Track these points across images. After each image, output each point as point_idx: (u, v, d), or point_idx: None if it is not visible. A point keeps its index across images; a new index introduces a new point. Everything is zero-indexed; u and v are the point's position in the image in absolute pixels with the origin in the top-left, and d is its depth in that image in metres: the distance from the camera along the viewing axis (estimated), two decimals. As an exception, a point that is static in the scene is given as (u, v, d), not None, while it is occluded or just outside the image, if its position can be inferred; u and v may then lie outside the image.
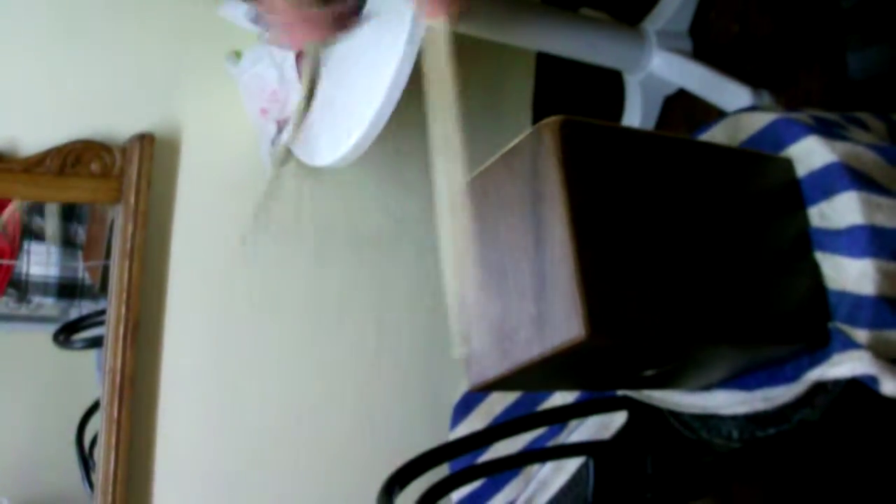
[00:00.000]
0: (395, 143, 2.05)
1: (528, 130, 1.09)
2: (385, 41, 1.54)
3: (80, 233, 1.98)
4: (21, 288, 1.91)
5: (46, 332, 1.94)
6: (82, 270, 1.97)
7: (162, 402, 1.87)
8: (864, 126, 1.34)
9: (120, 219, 1.83)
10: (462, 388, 1.86)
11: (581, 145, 1.06)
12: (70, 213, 1.97)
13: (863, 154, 1.21)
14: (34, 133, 1.80)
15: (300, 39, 1.22)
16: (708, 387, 1.31)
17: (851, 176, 1.17)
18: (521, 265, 1.07)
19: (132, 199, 1.82)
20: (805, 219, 1.21)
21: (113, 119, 1.87)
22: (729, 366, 1.25)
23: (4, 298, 1.90)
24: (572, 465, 1.54)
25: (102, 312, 1.85)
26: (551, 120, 1.06)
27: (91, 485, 1.83)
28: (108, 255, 1.88)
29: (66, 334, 1.95)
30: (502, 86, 2.45)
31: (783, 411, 1.22)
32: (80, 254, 1.98)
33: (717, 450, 1.33)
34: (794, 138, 1.24)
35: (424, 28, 1.22)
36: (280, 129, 1.89)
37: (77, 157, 1.81)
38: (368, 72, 1.56)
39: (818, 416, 1.20)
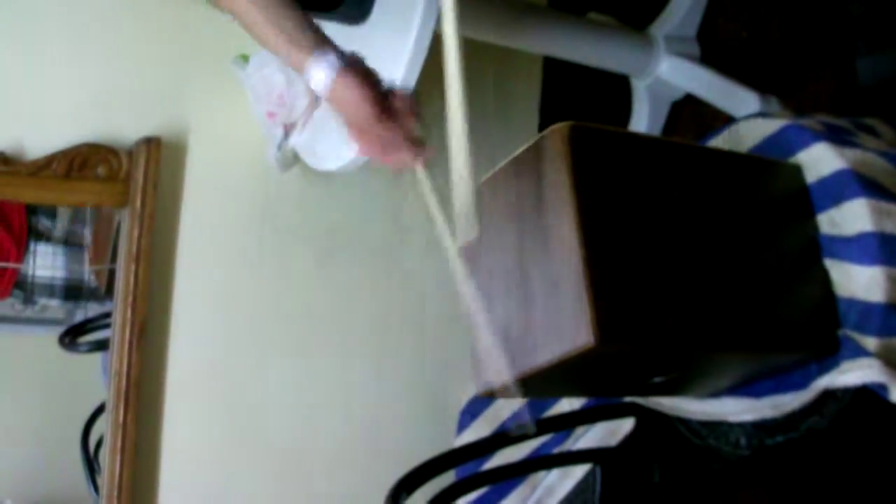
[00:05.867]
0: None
1: (536, 136, 1.09)
2: (391, 47, 1.54)
3: (87, 234, 1.98)
4: (27, 289, 1.91)
5: (52, 335, 1.94)
6: (88, 272, 1.97)
7: (168, 405, 1.87)
8: (873, 132, 1.34)
9: (126, 222, 1.83)
10: (468, 393, 1.86)
11: (590, 151, 1.05)
12: (76, 215, 1.97)
13: (872, 161, 1.20)
14: (41, 136, 1.80)
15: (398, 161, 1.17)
16: (716, 394, 1.31)
17: (861, 183, 1.17)
18: (529, 271, 1.07)
19: (139, 203, 1.82)
20: (814, 226, 1.20)
21: (120, 122, 1.87)
22: (737, 373, 1.24)
23: (10, 300, 1.90)
24: (579, 471, 1.53)
25: (108, 315, 1.85)
26: (560, 126, 1.06)
27: (96, 488, 1.83)
28: (114, 257, 1.87)
29: (71, 337, 1.95)
30: (509, 90, 2.44)
31: (791, 419, 1.21)
32: (86, 255, 1.98)
33: (725, 457, 1.33)
34: (804, 145, 1.23)
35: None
36: (287, 133, 1.89)
37: (84, 160, 1.81)
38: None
39: (827, 424, 1.19)
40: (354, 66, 1.11)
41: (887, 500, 1.57)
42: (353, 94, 1.10)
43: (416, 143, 1.13)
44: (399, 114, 1.13)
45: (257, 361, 1.98)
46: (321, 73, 1.10)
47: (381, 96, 1.12)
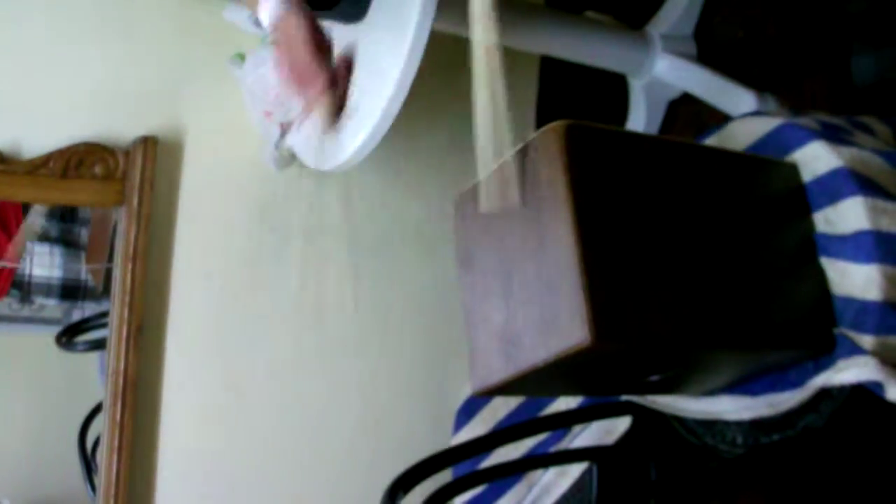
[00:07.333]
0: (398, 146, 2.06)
1: (532, 134, 1.09)
2: (388, 45, 1.54)
3: (83, 234, 1.98)
4: (24, 289, 1.91)
5: (49, 334, 1.94)
6: (85, 272, 1.97)
7: (164, 404, 1.87)
8: (869, 131, 1.34)
9: (123, 221, 1.83)
10: (465, 392, 1.86)
11: (586, 149, 1.05)
12: (73, 215, 1.97)
13: (868, 159, 1.21)
14: (37, 135, 1.80)
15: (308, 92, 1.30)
16: (713, 392, 1.31)
17: (857, 181, 1.17)
18: (525, 269, 1.07)
19: (135, 202, 1.82)
20: (810, 224, 1.20)
21: (116, 121, 1.87)
22: (734, 371, 1.24)
23: (7, 299, 1.90)
24: (576, 470, 1.53)
25: (105, 314, 1.85)
26: (556, 124, 1.06)
27: (93, 487, 1.83)
28: (111, 256, 1.88)
29: (68, 336, 1.95)
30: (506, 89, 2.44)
31: (788, 417, 1.21)
32: (83, 255, 1.98)
33: (722, 455, 1.33)
34: (800, 143, 1.23)
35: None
36: (283, 132, 1.89)
37: (80, 159, 1.81)
38: (372, 75, 1.56)
39: (823, 422, 1.19)
40: (301, 7, 1.27)
41: (883, 497, 1.57)
42: (300, 25, 1.25)
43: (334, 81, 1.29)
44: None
45: (254, 360, 1.98)
46: (273, 5, 1.26)
47: (319, 36, 1.28)
